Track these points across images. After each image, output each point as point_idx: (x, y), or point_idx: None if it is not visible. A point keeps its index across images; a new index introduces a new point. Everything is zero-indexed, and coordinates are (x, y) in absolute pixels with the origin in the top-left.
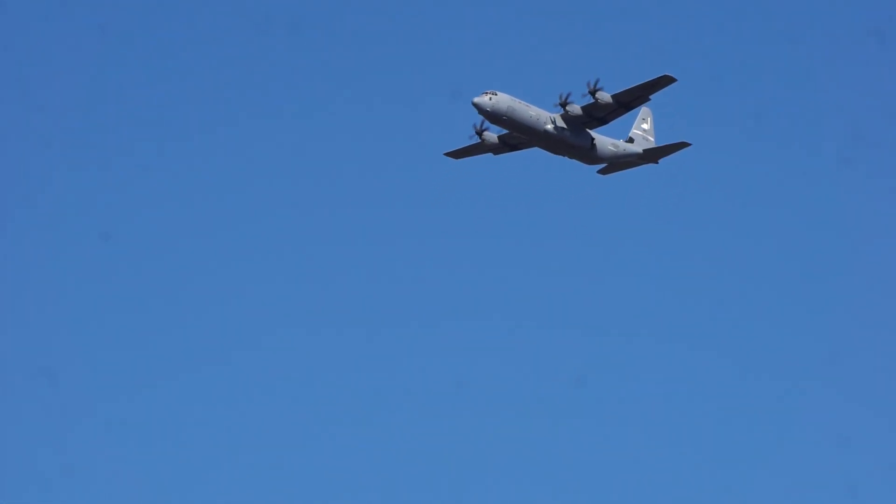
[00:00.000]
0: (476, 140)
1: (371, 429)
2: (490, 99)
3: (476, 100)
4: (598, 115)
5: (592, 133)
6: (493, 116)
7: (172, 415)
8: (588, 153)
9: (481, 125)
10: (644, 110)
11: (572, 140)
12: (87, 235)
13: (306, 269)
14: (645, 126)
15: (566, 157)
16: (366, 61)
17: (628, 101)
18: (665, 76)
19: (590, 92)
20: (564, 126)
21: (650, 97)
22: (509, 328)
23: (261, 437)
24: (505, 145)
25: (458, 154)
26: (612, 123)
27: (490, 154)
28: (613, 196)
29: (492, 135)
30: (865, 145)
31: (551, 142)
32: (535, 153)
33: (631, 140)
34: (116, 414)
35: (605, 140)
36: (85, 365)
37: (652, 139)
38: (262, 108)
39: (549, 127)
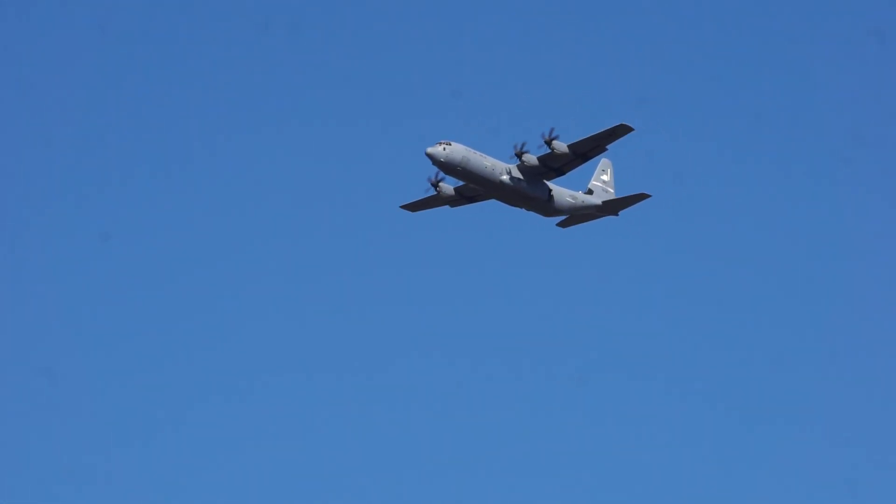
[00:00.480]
0: (432, 192)
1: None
2: (444, 149)
3: (430, 150)
4: (555, 165)
5: (550, 184)
6: (448, 167)
7: (172, 414)
8: (545, 205)
9: (436, 176)
10: (604, 161)
11: (529, 191)
12: (86, 235)
13: (307, 265)
14: (605, 177)
15: (524, 209)
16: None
17: (585, 151)
18: (621, 125)
19: (545, 142)
20: (521, 177)
21: (607, 147)
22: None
23: (262, 435)
24: (461, 197)
25: (414, 207)
26: (571, 175)
27: (447, 206)
28: (571, 248)
29: (448, 186)
30: (865, 145)
31: (507, 193)
32: (493, 205)
33: (590, 191)
34: (116, 414)
35: (562, 191)
36: (85, 365)
37: (612, 190)
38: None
39: (505, 178)
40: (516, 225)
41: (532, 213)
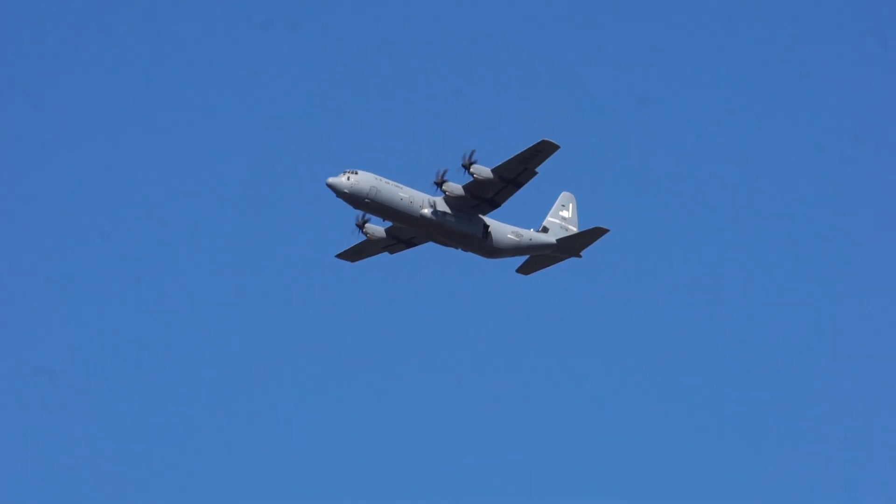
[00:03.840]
0: (361, 235)
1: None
2: (349, 178)
3: (331, 180)
4: (485, 195)
5: (487, 219)
6: (354, 200)
7: (172, 411)
8: (481, 244)
9: (363, 217)
10: (564, 195)
11: (457, 227)
12: (87, 235)
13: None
14: (565, 213)
15: (461, 250)
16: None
17: (514, 176)
18: (544, 141)
19: (463, 166)
20: (447, 210)
21: (536, 171)
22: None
23: (264, 435)
24: (397, 240)
25: (351, 255)
26: (529, 211)
27: (386, 253)
28: (526, 297)
29: (378, 228)
30: (865, 145)
31: (434, 231)
32: (433, 248)
33: (545, 229)
34: (116, 414)
35: (503, 228)
36: (85, 365)
37: (574, 228)
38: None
39: (427, 211)
40: (467, 271)
41: (473, 255)
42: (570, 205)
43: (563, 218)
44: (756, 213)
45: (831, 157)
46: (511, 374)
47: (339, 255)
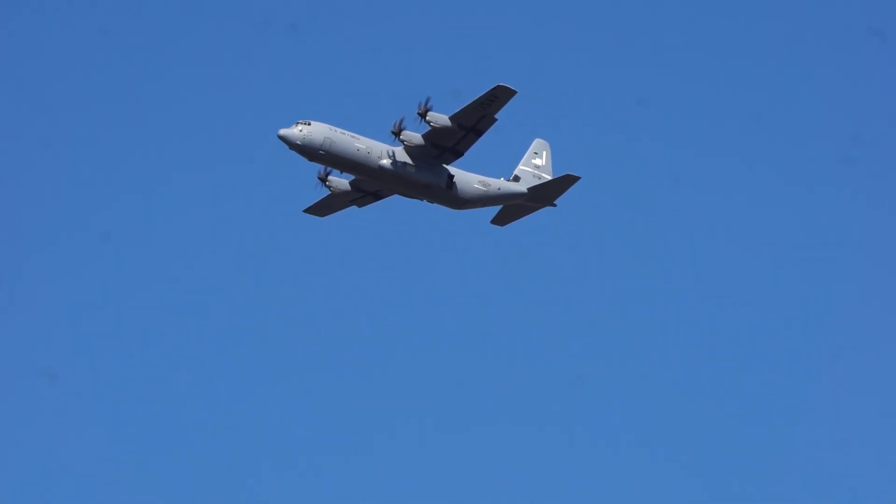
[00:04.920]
0: (325, 189)
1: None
2: (301, 130)
3: (283, 132)
4: (446, 143)
5: (451, 169)
6: (308, 152)
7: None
8: (446, 194)
9: (325, 171)
10: (538, 143)
11: (418, 177)
12: (86, 235)
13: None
14: (538, 161)
15: (426, 201)
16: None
17: (472, 123)
18: (499, 87)
19: (419, 114)
20: (408, 161)
21: (496, 117)
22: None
23: (265, 438)
24: (363, 192)
25: (318, 210)
26: (501, 159)
27: (354, 207)
28: (500, 248)
29: (342, 181)
30: (865, 145)
31: (394, 182)
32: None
33: (517, 178)
34: (116, 414)
35: (469, 178)
36: (85, 365)
37: (548, 176)
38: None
39: (385, 162)
40: (437, 223)
41: (438, 206)
42: (544, 152)
43: (535, 166)
44: (756, 213)
45: (831, 157)
46: (484, 325)
47: (307, 210)
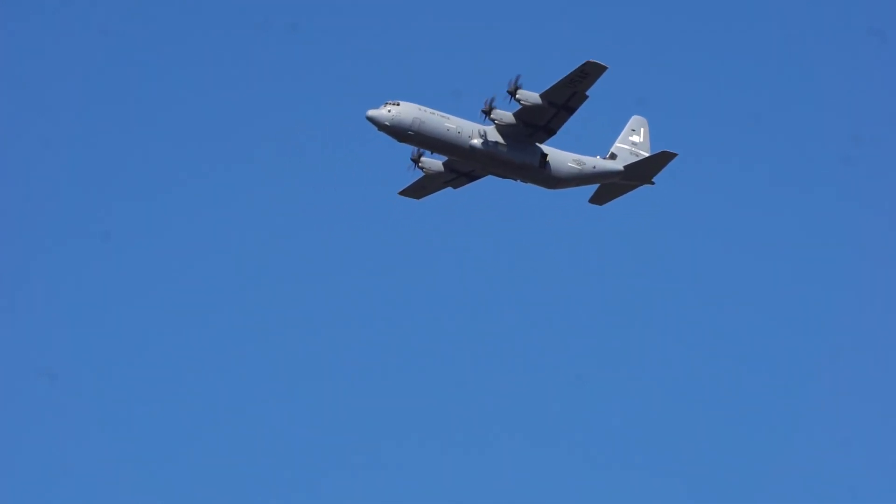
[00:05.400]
0: (418, 171)
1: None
2: (389, 111)
3: (371, 112)
4: (539, 122)
5: (545, 147)
6: (397, 132)
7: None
8: (540, 173)
9: (418, 152)
10: (636, 119)
11: (510, 156)
12: (86, 235)
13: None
14: (636, 139)
15: (520, 181)
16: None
17: (564, 101)
18: (589, 62)
19: (509, 92)
20: (500, 140)
21: (587, 94)
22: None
23: (266, 438)
24: (457, 173)
25: (413, 192)
26: (598, 139)
27: (450, 188)
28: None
29: (435, 161)
30: (865, 145)
31: (486, 161)
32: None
33: (613, 156)
34: (116, 415)
35: (563, 156)
36: (85, 365)
37: (646, 154)
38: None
39: (476, 142)
40: (533, 204)
41: (532, 186)
42: (642, 129)
43: (633, 143)
44: (755, 213)
45: (831, 157)
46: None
47: (402, 193)
